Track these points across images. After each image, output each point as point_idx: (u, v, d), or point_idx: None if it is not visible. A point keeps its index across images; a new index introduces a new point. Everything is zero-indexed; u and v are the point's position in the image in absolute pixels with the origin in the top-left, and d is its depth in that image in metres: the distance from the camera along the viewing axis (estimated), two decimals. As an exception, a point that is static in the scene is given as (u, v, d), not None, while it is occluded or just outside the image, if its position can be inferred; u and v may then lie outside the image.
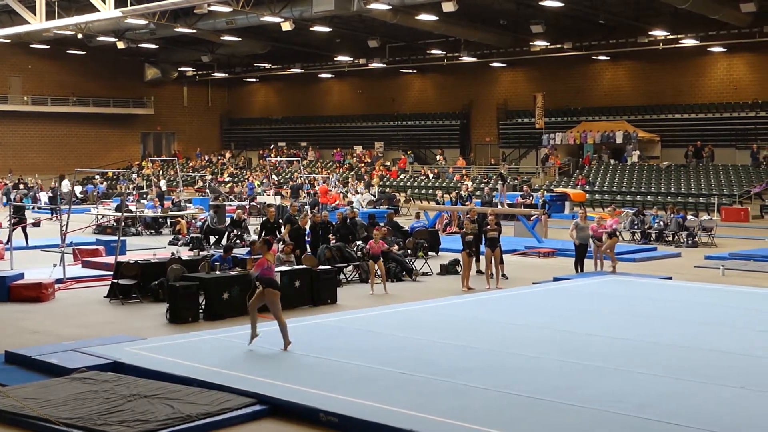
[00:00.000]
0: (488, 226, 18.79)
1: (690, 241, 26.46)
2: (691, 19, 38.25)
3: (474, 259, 19.42)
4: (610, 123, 45.09)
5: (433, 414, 9.04)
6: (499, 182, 38.72)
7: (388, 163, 51.42)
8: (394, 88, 55.52)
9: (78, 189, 43.67)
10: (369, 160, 52.98)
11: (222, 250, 17.88)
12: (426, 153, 52.95)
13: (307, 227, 20.65)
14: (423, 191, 45.08)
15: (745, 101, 41.87)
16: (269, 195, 41.67)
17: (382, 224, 21.77)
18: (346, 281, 18.95)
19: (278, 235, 20.00)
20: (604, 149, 44.85)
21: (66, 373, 10.77)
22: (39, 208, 38.33)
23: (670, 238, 27.18)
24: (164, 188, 46.42)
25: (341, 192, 41.08)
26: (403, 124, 54.70)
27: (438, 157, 51.02)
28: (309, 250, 19.66)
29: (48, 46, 52.10)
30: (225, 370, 10.76)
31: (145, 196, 37.25)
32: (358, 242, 20.75)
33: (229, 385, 10.05)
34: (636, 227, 27.69)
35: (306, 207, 32.65)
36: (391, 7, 35.24)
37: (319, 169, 51.84)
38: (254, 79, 62.30)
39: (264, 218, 21.49)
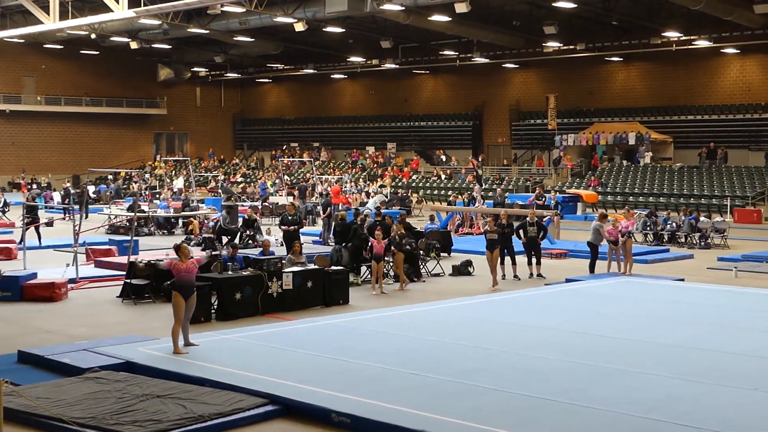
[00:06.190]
0: (487, 227, 18.91)
1: (702, 243, 26.37)
2: (704, 21, 38.10)
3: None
4: (622, 124, 44.98)
5: (444, 415, 9.06)
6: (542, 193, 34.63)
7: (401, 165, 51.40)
8: (406, 89, 55.51)
9: (91, 189, 43.77)
10: (381, 161, 52.98)
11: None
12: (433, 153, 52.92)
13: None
14: (435, 192, 45.07)
15: (759, 102, 41.66)
16: (281, 195, 41.74)
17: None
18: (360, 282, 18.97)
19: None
20: (616, 150, 44.74)
21: (79, 373, 10.81)
22: (51, 207, 38.45)
23: (683, 240, 27.10)
24: (178, 188, 46.50)
25: (354, 192, 41.00)
26: (415, 125, 54.67)
27: (443, 158, 50.94)
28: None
29: (61, 46, 52.25)
30: (237, 371, 10.78)
31: (157, 196, 37.34)
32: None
33: (241, 386, 10.08)
34: (648, 229, 27.62)
35: (318, 207, 32.71)
36: (403, 8, 35.22)
37: (332, 170, 51.86)
38: (267, 80, 62.38)
39: (341, 221, 21.11)
